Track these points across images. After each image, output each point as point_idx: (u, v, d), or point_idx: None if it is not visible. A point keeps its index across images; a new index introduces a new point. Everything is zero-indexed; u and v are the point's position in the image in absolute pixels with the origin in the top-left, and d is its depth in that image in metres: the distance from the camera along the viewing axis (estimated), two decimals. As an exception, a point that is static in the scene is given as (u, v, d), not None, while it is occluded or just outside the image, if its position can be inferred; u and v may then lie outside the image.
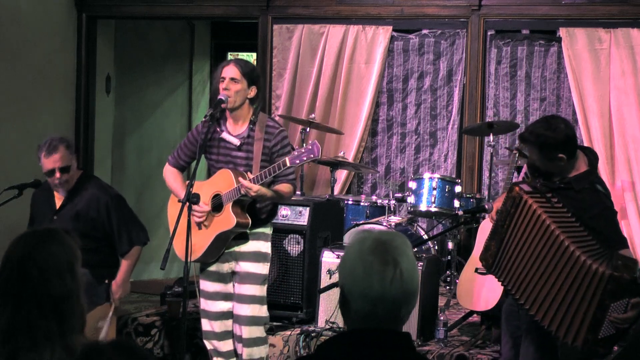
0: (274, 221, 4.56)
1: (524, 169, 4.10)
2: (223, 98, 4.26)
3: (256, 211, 4.33)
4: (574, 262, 3.67)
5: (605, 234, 3.81)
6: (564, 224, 3.77)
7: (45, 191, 4.82)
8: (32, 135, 6.41)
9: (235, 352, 4.47)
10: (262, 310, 4.38)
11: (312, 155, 3.98)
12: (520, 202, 3.83)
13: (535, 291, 3.79)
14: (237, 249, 4.35)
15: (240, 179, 4.15)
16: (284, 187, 4.27)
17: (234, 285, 4.40)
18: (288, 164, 4.01)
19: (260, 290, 4.36)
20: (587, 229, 3.78)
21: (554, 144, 3.81)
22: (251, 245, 4.34)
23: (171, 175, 4.50)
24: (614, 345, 3.88)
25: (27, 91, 6.82)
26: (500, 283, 3.98)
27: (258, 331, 4.37)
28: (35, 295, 2.13)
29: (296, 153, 4.02)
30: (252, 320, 4.34)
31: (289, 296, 5.24)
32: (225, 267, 4.39)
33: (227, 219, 4.22)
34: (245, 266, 4.34)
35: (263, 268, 4.36)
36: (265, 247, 4.39)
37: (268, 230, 4.43)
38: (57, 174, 4.60)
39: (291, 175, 4.30)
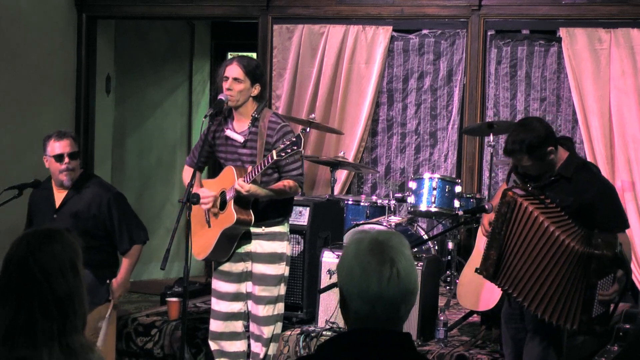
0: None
1: (512, 178, 4.09)
2: (223, 98, 4.27)
3: (262, 208, 4.30)
4: (563, 250, 3.77)
5: (607, 215, 3.91)
6: (558, 222, 3.84)
7: (44, 191, 4.83)
8: (32, 135, 6.42)
9: (244, 353, 4.48)
10: (278, 308, 4.40)
11: (295, 147, 3.97)
12: (515, 206, 3.87)
13: (534, 289, 3.86)
14: (252, 249, 4.35)
15: (240, 178, 4.16)
16: (285, 184, 4.26)
17: (247, 285, 4.41)
18: (275, 157, 4.00)
19: (276, 291, 4.37)
20: (579, 225, 3.85)
21: (539, 142, 3.87)
22: (266, 246, 4.35)
23: (187, 175, 4.51)
24: (608, 321, 3.96)
25: (27, 91, 6.82)
26: (503, 290, 4.00)
27: (276, 329, 4.42)
28: (38, 296, 2.12)
29: (282, 146, 4.01)
30: (270, 320, 4.37)
31: (289, 296, 5.22)
32: (240, 266, 4.40)
33: (229, 216, 4.23)
34: (260, 268, 4.35)
35: (278, 269, 4.36)
36: (281, 247, 4.37)
37: (284, 229, 4.41)
38: (66, 159, 4.65)
39: (294, 171, 4.29)
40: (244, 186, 4.10)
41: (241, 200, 4.23)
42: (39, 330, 2.10)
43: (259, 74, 4.33)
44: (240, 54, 4.92)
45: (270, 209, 4.33)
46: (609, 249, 3.73)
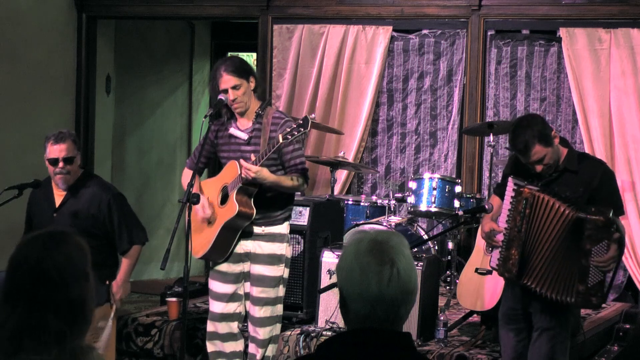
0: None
1: (510, 186, 4.10)
2: (223, 98, 4.27)
3: (266, 201, 4.28)
4: (562, 219, 3.91)
5: (606, 199, 4.02)
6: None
7: (44, 190, 4.82)
8: (32, 135, 6.42)
9: (241, 353, 4.48)
10: (276, 310, 4.39)
11: (302, 129, 3.97)
12: (534, 200, 3.96)
13: (548, 271, 3.97)
14: (252, 250, 4.34)
15: (242, 161, 4.14)
16: (291, 176, 4.25)
17: (245, 286, 4.40)
18: (281, 140, 4.00)
19: (273, 293, 4.35)
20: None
21: (544, 128, 4.01)
22: (266, 247, 4.33)
23: (186, 178, 4.47)
24: (604, 295, 4.00)
25: (27, 91, 6.82)
26: (533, 288, 4.01)
27: (274, 330, 4.40)
28: (52, 298, 2.09)
29: (288, 129, 4.01)
30: (266, 321, 4.35)
31: (289, 296, 5.22)
32: (238, 267, 4.38)
33: (230, 207, 4.20)
34: (258, 269, 4.33)
35: (277, 270, 4.34)
36: (280, 248, 4.35)
37: (284, 230, 4.39)
38: (61, 164, 4.63)
39: (301, 165, 4.27)
40: (252, 167, 4.06)
41: (244, 192, 4.21)
42: (48, 333, 2.08)
43: (247, 68, 4.34)
44: (240, 54, 4.91)
45: (270, 202, 4.31)
46: (601, 214, 3.85)
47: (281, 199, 4.35)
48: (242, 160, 4.13)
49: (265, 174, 4.13)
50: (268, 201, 4.30)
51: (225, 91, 4.25)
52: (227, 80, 4.25)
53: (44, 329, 2.09)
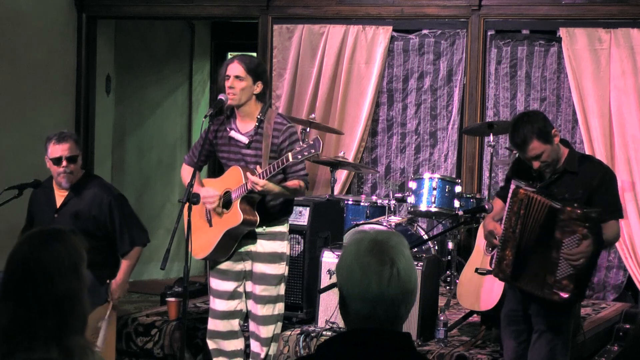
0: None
1: (512, 188, 4.10)
2: (223, 98, 4.27)
3: (268, 208, 4.31)
4: (543, 210, 3.90)
5: (605, 201, 3.99)
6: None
7: (45, 190, 4.83)
8: (32, 136, 6.42)
9: (241, 351, 4.49)
10: (277, 308, 4.41)
11: (313, 150, 3.98)
12: (529, 201, 3.95)
13: (533, 267, 3.95)
14: (253, 249, 4.35)
15: (248, 173, 4.15)
16: (294, 183, 4.27)
17: (246, 285, 4.41)
18: (291, 159, 4.01)
19: (275, 291, 4.37)
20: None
21: (545, 125, 3.99)
22: (267, 246, 4.34)
23: (186, 174, 4.46)
24: (578, 289, 3.94)
25: (27, 91, 6.83)
26: (525, 290, 4.00)
27: (276, 329, 4.42)
28: (36, 294, 2.14)
29: (298, 148, 4.02)
30: (269, 319, 4.37)
31: (289, 296, 5.22)
32: (239, 266, 4.39)
33: (235, 216, 4.21)
34: (260, 267, 4.34)
35: (279, 268, 4.37)
36: (281, 247, 4.38)
37: (284, 229, 4.42)
38: (64, 163, 4.64)
39: (302, 172, 4.29)
40: (260, 182, 4.08)
41: (247, 201, 4.22)
42: (36, 330, 2.11)
43: (260, 71, 4.33)
44: (240, 53, 4.91)
45: (274, 209, 4.34)
46: (578, 208, 3.83)
47: (284, 205, 4.40)
48: (249, 174, 4.14)
49: (271, 187, 4.17)
50: (269, 203, 4.32)
51: (228, 77, 4.26)
52: (235, 67, 4.27)
53: (31, 327, 2.11)
